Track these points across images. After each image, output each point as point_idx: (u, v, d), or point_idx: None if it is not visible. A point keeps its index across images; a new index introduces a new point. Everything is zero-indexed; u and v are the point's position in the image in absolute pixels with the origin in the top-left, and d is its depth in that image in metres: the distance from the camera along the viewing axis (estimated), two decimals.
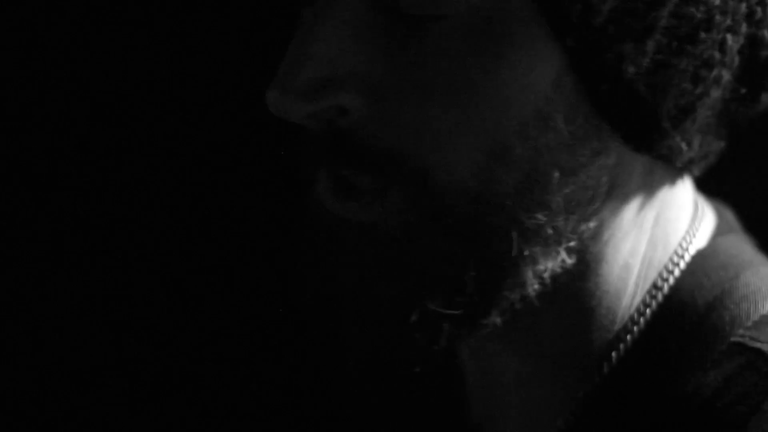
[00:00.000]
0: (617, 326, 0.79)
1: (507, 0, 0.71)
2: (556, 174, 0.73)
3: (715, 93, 0.76)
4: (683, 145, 0.77)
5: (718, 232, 0.84)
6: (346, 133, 0.73)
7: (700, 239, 0.83)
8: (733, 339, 0.77)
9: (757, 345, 0.76)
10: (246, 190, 1.33)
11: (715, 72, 0.75)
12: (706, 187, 0.86)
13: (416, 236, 0.73)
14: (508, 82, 0.71)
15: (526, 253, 0.73)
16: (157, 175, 1.34)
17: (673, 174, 0.81)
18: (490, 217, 0.73)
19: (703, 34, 0.73)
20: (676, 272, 0.80)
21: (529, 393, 0.81)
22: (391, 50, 0.72)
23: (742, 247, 0.84)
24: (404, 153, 0.72)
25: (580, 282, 0.78)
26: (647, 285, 0.80)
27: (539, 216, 0.73)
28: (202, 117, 1.32)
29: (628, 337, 0.79)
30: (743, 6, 0.75)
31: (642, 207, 0.80)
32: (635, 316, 0.79)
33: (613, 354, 0.79)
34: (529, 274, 0.74)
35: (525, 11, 0.71)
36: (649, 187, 0.80)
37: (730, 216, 0.87)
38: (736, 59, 0.76)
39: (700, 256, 0.81)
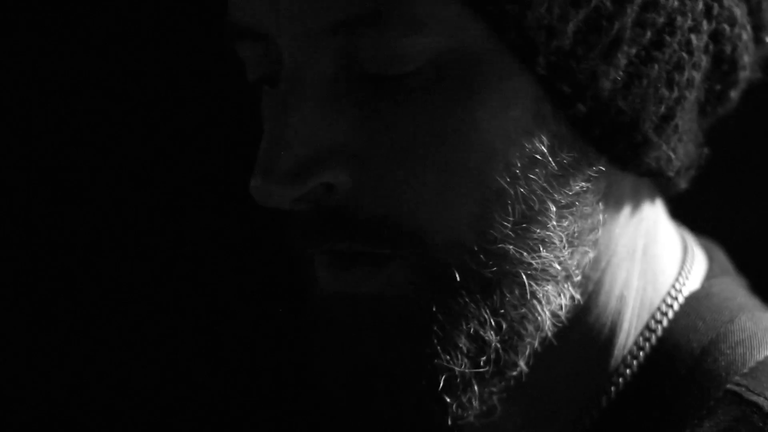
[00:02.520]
0: (611, 367, 0.78)
1: (470, 43, 0.69)
2: (553, 208, 0.72)
3: (691, 95, 0.76)
4: (671, 153, 0.76)
5: (711, 274, 0.83)
6: (335, 209, 0.71)
7: (693, 281, 0.81)
8: (728, 387, 0.75)
9: (754, 398, 0.74)
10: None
11: (686, 74, 0.74)
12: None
13: (425, 301, 0.71)
14: (488, 125, 0.70)
15: (539, 294, 0.72)
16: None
17: (654, 198, 0.81)
18: (496, 265, 0.71)
19: (668, 38, 0.73)
20: (670, 314, 0.79)
21: None
22: (366, 116, 0.70)
23: (736, 290, 0.82)
24: (397, 218, 0.70)
25: (583, 315, 0.77)
26: (640, 326, 0.78)
27: (544, 254, 0.72)
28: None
29: (620, 380, 0.77)
30: (700, 4, 0.74)
31: (633, 233, 0.79)
32: (628, 358, 0.78)
33: (604, 398, 0.77)
34: (546, 314, 0.73)
35: (490, 49, 0.70)
36: (636, 211, 0.79)
37: (721, 256, 0.86)
38: (704, 59, 0.76)
39: (694, 299, 0.80)
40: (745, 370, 0.76)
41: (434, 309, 0.71)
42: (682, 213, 0.87)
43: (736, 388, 0.75)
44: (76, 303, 1.32)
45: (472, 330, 0.71)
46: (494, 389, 0.73)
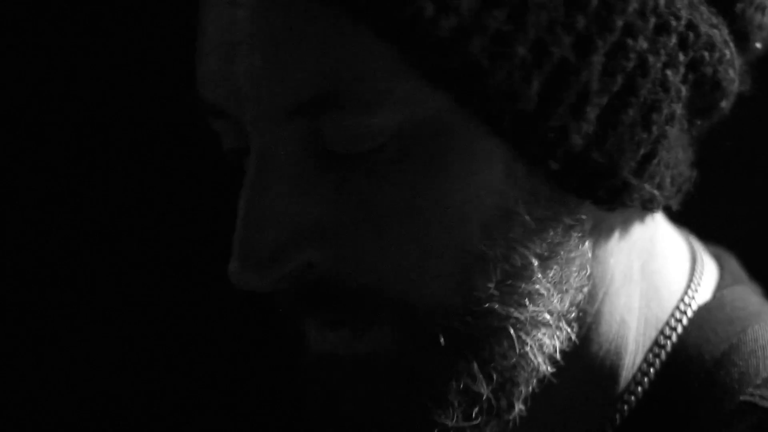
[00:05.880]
0: (620, 387, 0.77)
1: (432, 114, 0.68)
2: (535, 262, 0.71)
3: (672, 129, 0.73)
4: (655, 191, 0.74)
5: (723, 284, 0.81)
6: (316, 282, 0.71)
7: (704, 293, 0.80)
8: (742, 398, 0.74)
9: None
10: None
11: (665, 111, 0.72)
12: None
13: (413, 361, 0.71)
14: (459, 192, 0.69)
15: (529, 343, 0.72)
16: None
17: (648, 219, 0.79)
18: (482, 324, 0.71)
19: (640, 80, 0.70)
20: (679, 329, 0.78)
21: None
22: (337, 191, 0.70)
23: (749, 298, 0.81)
24: (379, 289, 0.70)
25: (584, 348, 0.76)
26: (648, 342, 0.78)
27: (531, 308, 0.71)
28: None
29: (632, 398, 0.77)
30: (673, 38, 0.71)
31: (627, 258, 0.77)
32: (638, 375, 0.77)
33: (617, 416, 0.76)
34: (539, 359, 0.72)
35: (453, 117, 0.68)
36: (629, 237, 0.78)
37: (733, 264, 0.85)
38: (683, 89, 0.73)
39: (705, 310, 0.79)
40: (759, 381, 0.75)
41: (422, 368, 0.71)
42: (687, 218, 0.85)
43: (750, 398, 0.74)
44: (67, 304, 1.32)
45: (462, 385, 0.71)
46: None
